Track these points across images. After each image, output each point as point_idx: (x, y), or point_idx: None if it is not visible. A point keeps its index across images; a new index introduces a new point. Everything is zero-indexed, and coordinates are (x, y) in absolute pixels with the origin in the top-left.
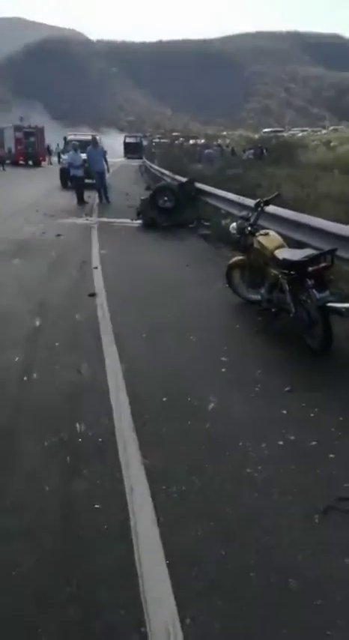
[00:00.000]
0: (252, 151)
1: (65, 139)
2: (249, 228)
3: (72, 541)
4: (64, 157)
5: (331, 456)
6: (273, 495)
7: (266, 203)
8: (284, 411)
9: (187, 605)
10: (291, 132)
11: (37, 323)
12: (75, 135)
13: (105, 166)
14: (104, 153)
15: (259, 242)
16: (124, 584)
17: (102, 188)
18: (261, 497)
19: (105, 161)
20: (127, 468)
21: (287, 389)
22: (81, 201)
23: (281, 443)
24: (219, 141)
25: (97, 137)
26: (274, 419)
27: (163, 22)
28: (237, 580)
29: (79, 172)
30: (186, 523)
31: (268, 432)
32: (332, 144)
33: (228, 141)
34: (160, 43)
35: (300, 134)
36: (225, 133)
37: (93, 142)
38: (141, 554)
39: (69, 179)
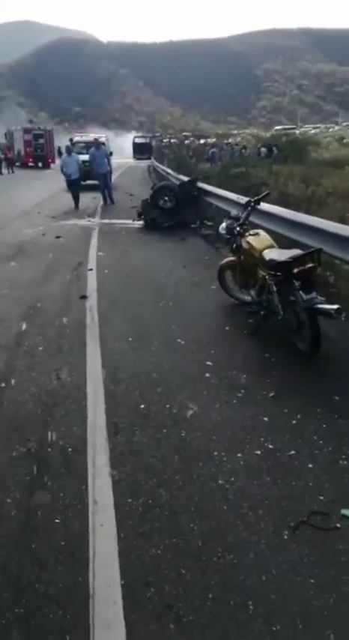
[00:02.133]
0: (265, 149)
1: (71, 140)
2: (238, 229)
3: (26, 559)
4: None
5: (309, 466)
6: (243, 509)
7: (257, 202)
8: (266, 418)
9: (138, 630)
10: (303, 129)
11: (24, 327)
12: (81, 137)
13: (109, 168)
14: (108, 154)
15: (248, 242)
16: (74, 606)
17: (106, 189)
18: (230, 511)
19: (109, 163)
20: (94, 479)
21: (271, 394)
22: (77, 204)
23: (258, 452)
24: (230, 140)
25: (103, 138)
26: (254, 426)
27: (174, 23)
28: (193, 603)
29: (72, 175)
30: (146, 539)
31: (246, 440)
32: (345, 140)
33: (238, 139)
34: (171, 43)
35: (313, 131)
36: (235, 131)
37: (96, 144)
38: (96, 573)
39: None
